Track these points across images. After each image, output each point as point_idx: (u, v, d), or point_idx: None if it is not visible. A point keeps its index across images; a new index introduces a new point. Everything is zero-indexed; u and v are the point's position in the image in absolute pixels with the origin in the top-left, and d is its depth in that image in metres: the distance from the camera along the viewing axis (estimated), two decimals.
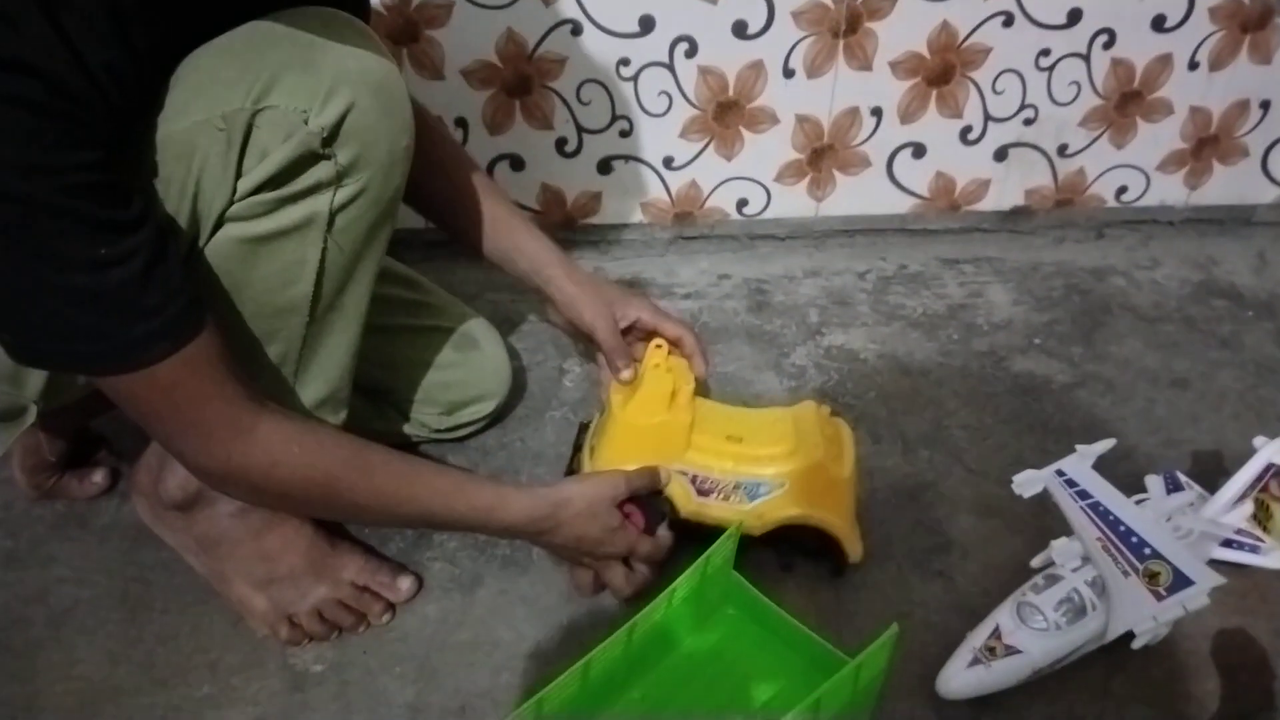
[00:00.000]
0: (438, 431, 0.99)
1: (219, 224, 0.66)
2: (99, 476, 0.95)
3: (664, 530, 0.83)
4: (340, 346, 0.77)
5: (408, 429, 0.99)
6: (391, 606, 0.86)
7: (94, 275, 0.57)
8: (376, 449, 0.74)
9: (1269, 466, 0.89)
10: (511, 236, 0.91)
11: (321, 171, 0.65)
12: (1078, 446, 0.85)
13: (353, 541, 0.89)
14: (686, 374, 0.88)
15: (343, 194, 0.66)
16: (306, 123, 0.63)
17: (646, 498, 0.83)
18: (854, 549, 0.86)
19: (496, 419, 1.04)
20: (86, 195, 0.56)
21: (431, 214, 0.94)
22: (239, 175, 0.64)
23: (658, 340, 0.89)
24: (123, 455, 0.98)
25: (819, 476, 0.83)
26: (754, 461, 0.83)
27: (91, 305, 0.58)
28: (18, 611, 0.86)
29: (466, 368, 0.97)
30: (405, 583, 0.86)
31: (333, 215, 0.67)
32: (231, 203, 0.65)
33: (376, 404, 0.97)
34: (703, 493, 0.84)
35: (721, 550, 0.75)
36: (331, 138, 0.64)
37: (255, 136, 0.63)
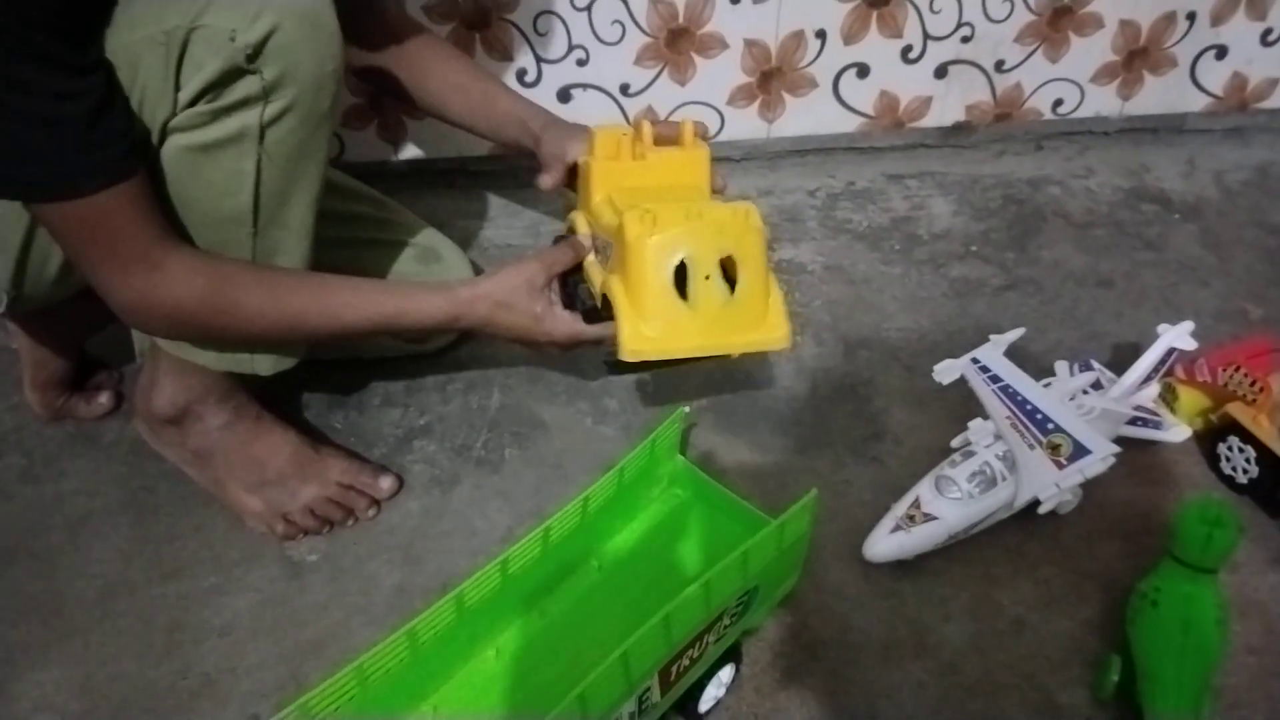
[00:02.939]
0: (409, 343, 1.07)
1: (165, 134, 0.73)
2: (104, 398, 1.03)
3: (576, 321, 0.83)
4: (294, 260, 0.83)
5: (379, 340, 1.06)
6: (376, 503, 0.94)
7: (49, 104, 0.65)
8: (283, 273, 0.81)
9: (1171, 350, 0.97)
10: (499, 108, 1.00)
11: (249, 86, 0.72)
12: (991, 336, 0.94)
13: (335, 447, 0.98)
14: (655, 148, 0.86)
15: (271, 109, 0.73)
16: (234, 40, 0.70)
17: (573, 286, 0.85)
18: (628, 332, 0.76)
19: (467, 334, 1.12)
20: (46, 31, 0.63)
21: (432, 109, 1.03)
22: (178, 88, 0.71)
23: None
24: (125, 378, 1.06)
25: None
26: (614, 219, 0.80)
27: (43, 132, 0.65)
28: (36, 520, 0.94)
29: (431, 279, 1.04)
30: (386, 481, 0.95)
31: (263, 129, 0.74)
32: (174, 114, 0.72)
33: None
34: (597, 250, 0.85)
35: (667, 433, 0.84)
36: (255, 55, 0.71)
37: (190, 52, 0.70)
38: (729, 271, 0.76)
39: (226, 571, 0.90)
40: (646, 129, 0.87)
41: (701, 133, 0.92)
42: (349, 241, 1.00)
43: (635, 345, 0.75)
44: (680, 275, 0.76)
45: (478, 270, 1.14)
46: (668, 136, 0.90)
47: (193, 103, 0.72)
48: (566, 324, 0.84)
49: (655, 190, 0.85)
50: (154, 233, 0.73)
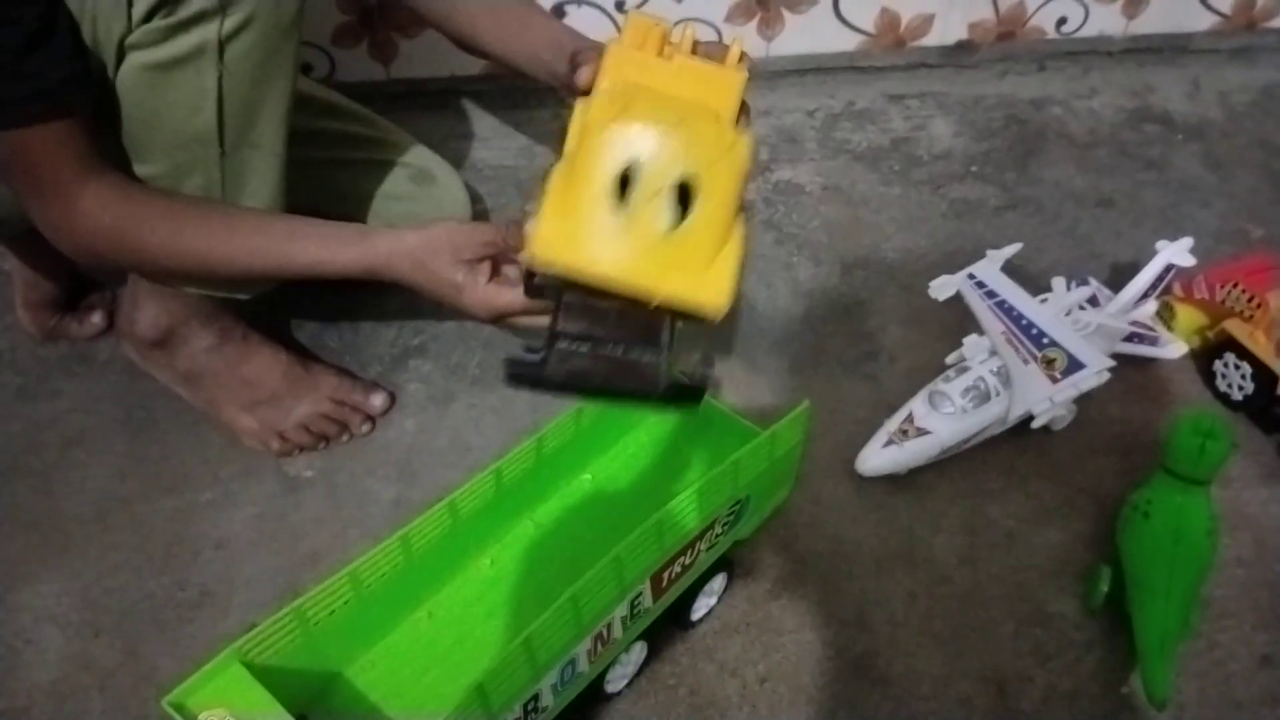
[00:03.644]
0: None
1: (122, 53, 0.71)
2: (97, 317, 1.02)
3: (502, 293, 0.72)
4: (264, 186, 0.81)
5: None
6: (370, 419, 0.95)
7: None
8: (194, 214, 0.76)
9: (1169, 267, 0.97)
10: (535, 32, 0.84)
11: (204, 0, 0.70)
12: (988, 251, 0.93)
13: (326, 364, 0.97)
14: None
15: (230, 23, 0.71)
16: None
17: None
18: (543, 230, 0.59)
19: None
20: None
21: (460, 36, 0.90)
22: (131, 3, 0.69)
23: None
24: (117, 298, 1.05)
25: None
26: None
27: None
28: (32, 438, 0.94)
29: (425, 201, 1.02)
30: (379, 398, 0.95)
31: (223, 44, 0.72)
32: (130, 31, 0.70)
33: None
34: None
35: None
36: None
37: None
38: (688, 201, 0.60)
39: (223, 487, 0.90)
40: (688, 34, 0.69)
41: (750, 64, 0.72)
42: (338, 162, 0.99)
43: (544, 250, 0.59)
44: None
45: (473, 193, 1.13)
46: (710, 55, 0.71)
47: (147, 18, 0.70)
48: (490, 297, 0.73)
49: (669, 99, 0.68)
50: (74, 164, 0.70)
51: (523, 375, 0.59)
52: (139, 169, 0.77)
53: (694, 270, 0.59)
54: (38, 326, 1.01)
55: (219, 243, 0.76)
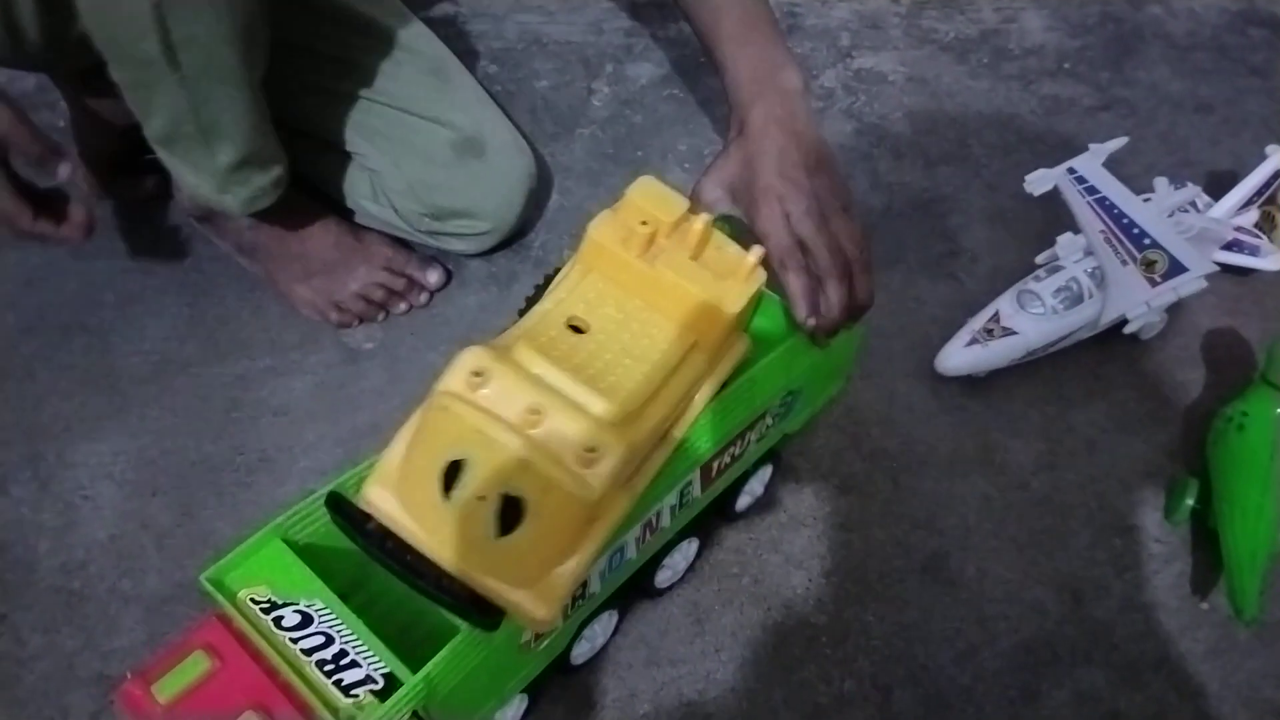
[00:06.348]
0: (421, 232, 0.93)
1: None
2: (150, 183, 0.99)
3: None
4: (238, 112, 0.75)
5: (389, 217, 0.93)
6: (428, 293, 0.92)
7: None
8: None
9: (1278, 173, 0.91)
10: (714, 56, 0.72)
11: None
12: (1090, 145, 0.88)
13: (379, 234, 0.94)
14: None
15: None
16: None
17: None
18: (377, 471, 0.53)
19: (505, 243, 0.96)
20: None
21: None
22: None
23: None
24: None
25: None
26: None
27: None
28: (89, 295, 0.93)
29: (463, 175, 0.90)
30: (434, 275, 0.92)
31: None
32: None
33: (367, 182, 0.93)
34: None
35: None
36: None
37: None
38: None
39: (283, 355, 0.88)
40: (695, 229, 0.57)
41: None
42: (360, 98, 0.89)
43: (373, 495, 0.53)
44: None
45: (535, 71, 1.08)
46: (724, 253, 0.59)
47: None
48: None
49: (639, 316, 0.58)
50: None
51: (343, 515, 0.54)
52: (111, 72, 0.72)
53: (522, 578, 0.53)
54: (91, 185, 0.99)
55: None
